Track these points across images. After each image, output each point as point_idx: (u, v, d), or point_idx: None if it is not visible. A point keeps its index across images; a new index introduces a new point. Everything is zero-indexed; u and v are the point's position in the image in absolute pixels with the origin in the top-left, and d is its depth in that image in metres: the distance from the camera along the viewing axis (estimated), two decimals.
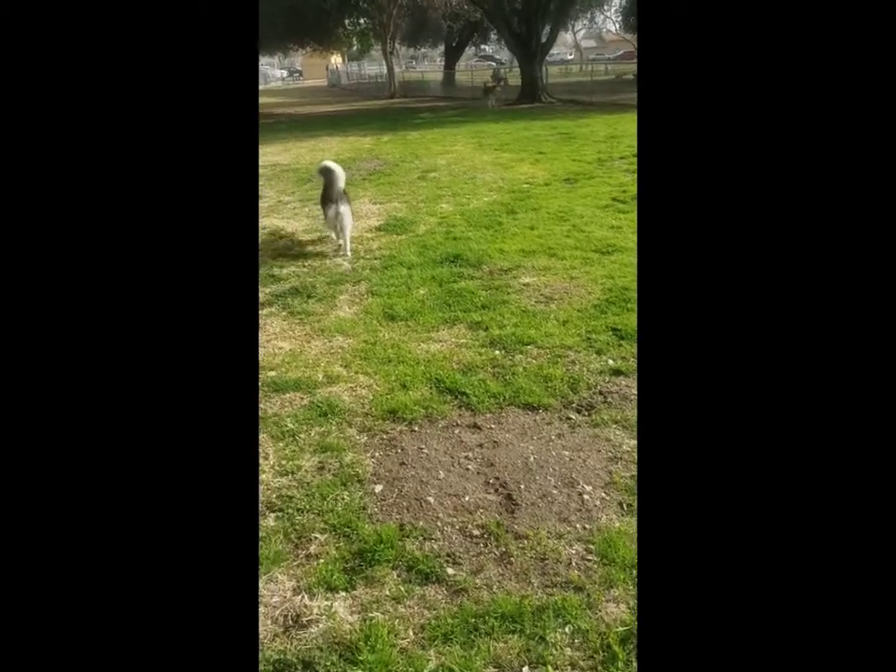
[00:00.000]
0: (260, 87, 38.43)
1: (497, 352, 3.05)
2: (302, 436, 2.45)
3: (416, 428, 2.48)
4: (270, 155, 10.30)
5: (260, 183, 7.83)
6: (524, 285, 3.92)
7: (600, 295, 3.67)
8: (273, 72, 44.98)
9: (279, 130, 14.88)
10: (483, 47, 39.99)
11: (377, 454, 2.33)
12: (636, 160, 6.39)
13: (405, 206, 6.30)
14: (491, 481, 2.15)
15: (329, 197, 4.69)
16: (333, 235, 4.99)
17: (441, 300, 3.74)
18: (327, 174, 4.74)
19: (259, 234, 5.49)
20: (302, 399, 2.73)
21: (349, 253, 4.71)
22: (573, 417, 2.50)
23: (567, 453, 2.28)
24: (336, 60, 39.89)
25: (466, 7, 23.03)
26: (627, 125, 11.57)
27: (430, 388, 2.75)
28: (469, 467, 2.23)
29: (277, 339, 3.35)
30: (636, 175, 6.99)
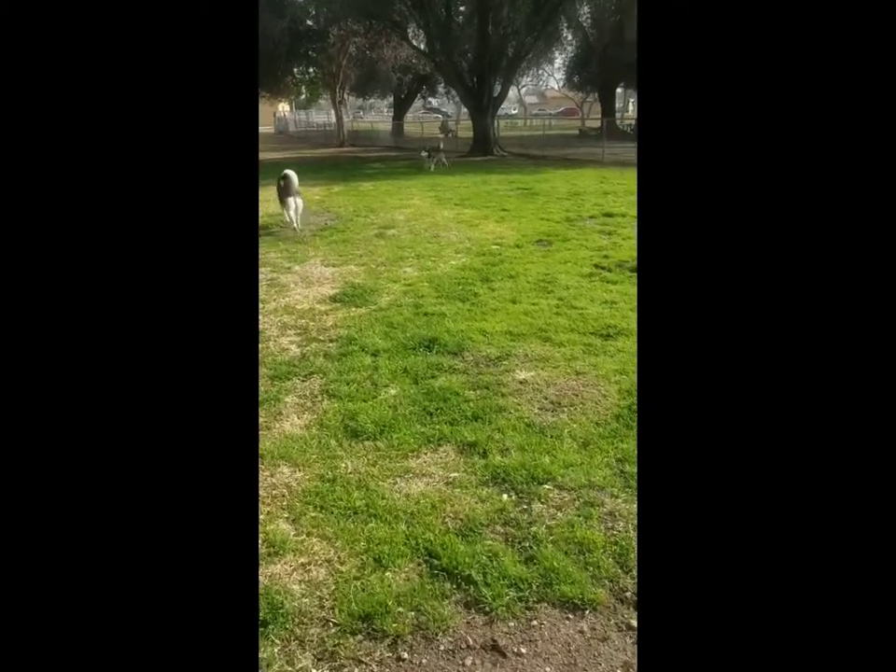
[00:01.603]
0: None
1: (506, 496, 2.24)
2: None
3: (405, 654, 1.61)
4: None
5: None
6: (520, 382, 3.16)
7: (618, 399, 2.93)
8: None
9: None
10: (430, 99, 40.53)
11: None
12: (606, 220, 5.82)
13: (363, 270, 5.52)
14: None
15: (288, 193, 7.11)
16: (290, 219, 7.25)
17: (417, 405, 2.92)
18: (287, 178, 7.12)
19: None
20: None
21: (298, 227, 7.21)
22: (635, 624, 1.70)
23: None
24: (284, 108, 39.56)
25: (415, 60, 23.09)
26: (587, 181, 11.28)
27: (418, 566, 1.90)
28: None
29: None
30: (612, 239, 6.52)
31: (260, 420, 2.82)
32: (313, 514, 2.16)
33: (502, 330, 3.86)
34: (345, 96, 27.97)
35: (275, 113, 39.43)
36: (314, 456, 2.52)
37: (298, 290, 4.94)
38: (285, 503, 2.23)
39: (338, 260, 5.87)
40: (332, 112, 28.16)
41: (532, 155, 17.77)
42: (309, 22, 20.26)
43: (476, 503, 2.20)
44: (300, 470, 2.43)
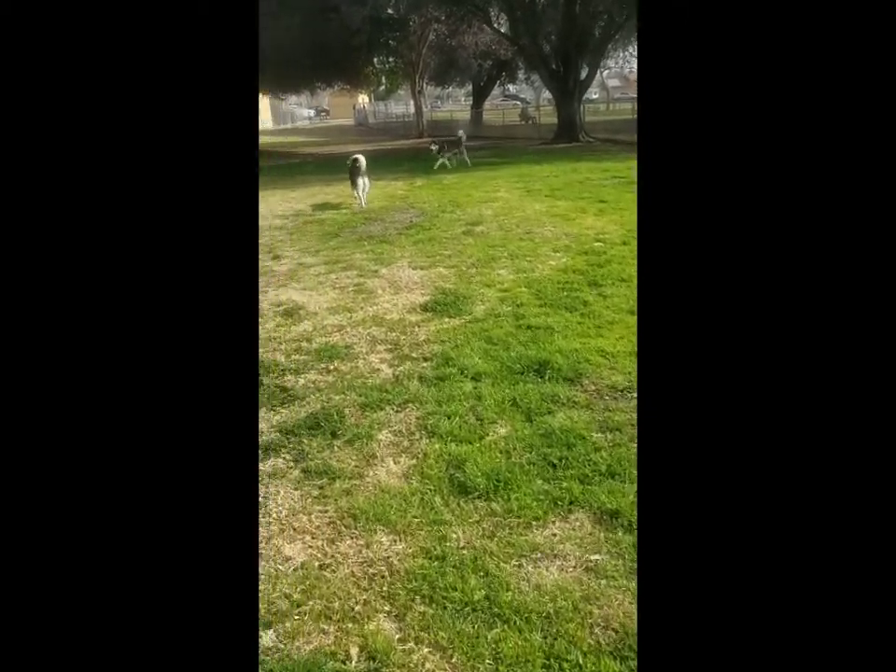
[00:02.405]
0: (287, 126, 38.43)
1: None
2: None
3: None
4: (293, 202, 9.25)
5: (279, 239, 6.70)
6: None
7: None
8: (299, 111, 45.07)
9: (305, 171, 13.98)
10: (508, 86, 39.56)
11: None
12: None
13: (453, 273, 5.06)
14: None
15: (357, 174, 8.26)
16: (357, 197, 8.42)
17: (535, 451, 2.42)
18: (356, 161, 8.21)
19: (272, 314, 4.27)
20: None
21: (364, 203, 8.33)
22: None
23: None
24: (363, 99, 39.81)
25: (495, 45, 22.37)
26: None
27: None
28: None
29: (284, 538, 2.05)
30: None
31: (347, 469, 2.41)
32: (420, 609, 1.71)
33: (626, 351, 3.28)
34: (424, 86, 27.67)
35: (355, 105, 39.79)
36: (416, 520, 2.08)
37: (386, 297, 4.55)
38: (385, 588, 1.80)
39: (426, 262, 5.44)
40: (411, 102, 27.92)
41: (620, 140, 16.72)
42: (389, 10, 19.96)
43: (630, 604, 1.68)
44: (401, 540, 1.99)
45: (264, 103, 35.09)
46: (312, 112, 46.65)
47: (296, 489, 2.30)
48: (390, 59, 24.43)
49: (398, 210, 8.10)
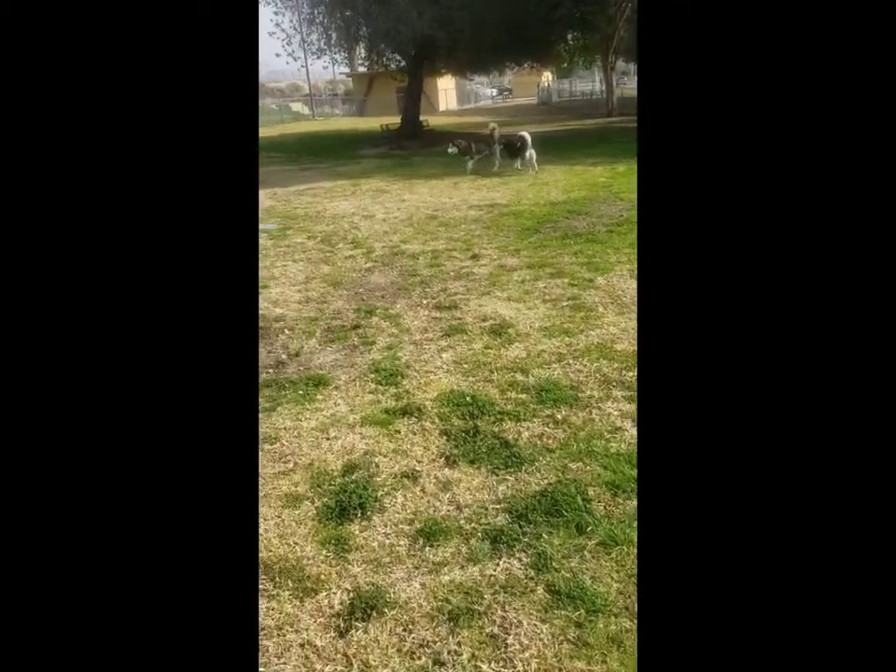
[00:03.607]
0: (470, 106, 38.47)
1: None
2: None
3: None
4: (484, 189, 8.75)
5: (476, 234, 6.20)
6: None
7: None
8: (482, 90, 44.98)
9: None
10: None
11: None
12: None
13: None
14: None
15: (525, 148, 9.76)
16: (529, 168, 9.68)
17: None
18: (524, 140, 9.74)
19: (477, 330, 3.73)
20: None
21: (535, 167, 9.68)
22: None
23: None
24: (547, 77, 38.59)
25: None
26: None
27: None
28: None
29: None
30: None
31: (614, 587, 1.75)
32: None
33: None
34: (615, 62, 25.87)
35: (538, 84, 38.71)
36: None
37: (609, 318, 3.81)
38: None
39: None
40: (594, 80, 26.32)
41: None
42: None
43: None
44: None
45: (451, 83, 35.34)
46: (494, 91, 46.34)
47: (543, 621, 1.69)
48: (584, 34, 23.07)
49: (601, 201, 7.23)
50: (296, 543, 2.04)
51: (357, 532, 2.08)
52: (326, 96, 40.25)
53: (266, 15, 78.44)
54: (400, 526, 2.09)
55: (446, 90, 35.33)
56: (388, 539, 2.04)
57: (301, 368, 3.41)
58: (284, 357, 3.57)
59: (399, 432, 2.68)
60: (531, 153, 9.89)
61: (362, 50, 19.70)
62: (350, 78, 36.16)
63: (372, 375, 3.24)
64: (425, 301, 4.35)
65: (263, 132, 24.42)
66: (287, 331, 3.97)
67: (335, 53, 19.67)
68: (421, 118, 19.01)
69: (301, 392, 3.10)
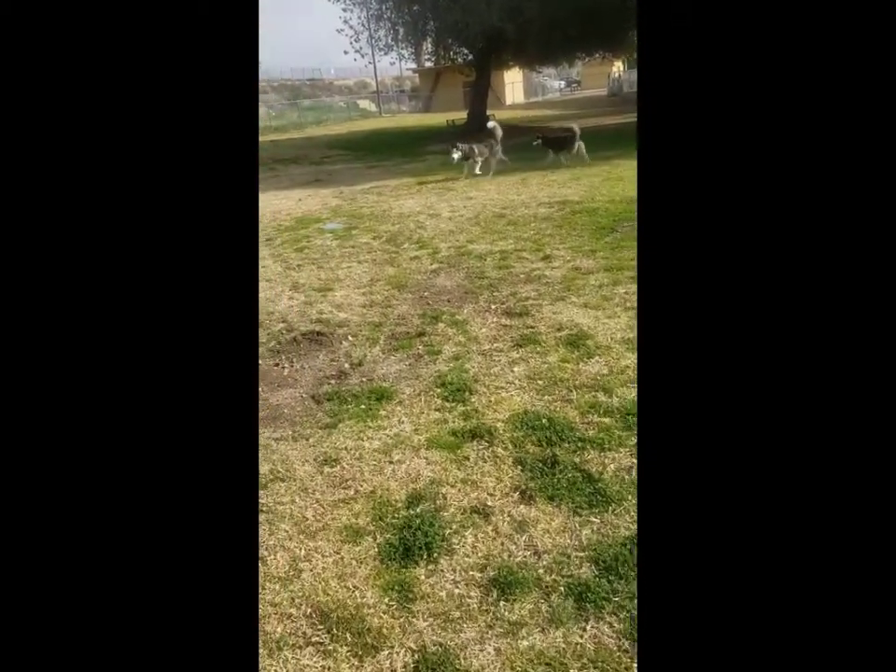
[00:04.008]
0: (538, 98, 37.76)
1: None
2: None
3: None
4: (555, 185, 8.39)
5: (547, 233, 5.88)
6: None
7: None
8: (550, 83, 44.06)
9: None
10: None
11: None
12: None
13: None
14: None
15: (573, 140, 9.77)
16: (580, 161, 9.49)
17: None
18: (573, 132, 9.73)
19: (553, 341, 3.45)
20: None
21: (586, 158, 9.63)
22: None
23: None
24: (618, 67, 37.36)
25: None
26: None
27: None
28: None
29: None
30: None
31: None
32: None
33: None
34: None
35: (609, 74, 37.54)
36: None
37: None
38: None
39: None
40: None
41: None
42: None
43: None
44: None
45: (518, 76, 34.78)
46: (562, 83, 45.31)
47: None
48: None
49: None
50: (356, 587, 1.84)
51: (422, 577, 1.86)
52: (393, 93, 40.43)
53: (334, 12, 79.74)
54: (471, 573, 1.86)
55: (513, 83, 34.82)
56: (458, 588, 1.81)
57: (364, 379, 3.23)
58: (346, 366, 3.41)
59: (469, 458, 2.44)
60: (579, 145, 9.98)
61: (429, 45, 19.55)
62: (416, 74, 36.22)
63: (438, 390, 3.02)
64: (493, 307, 4.10)
65: (332, 129, 24.75)
66: (350, 338, 3.81)
67: (402, 49, 19.66)
68: (488, 112, 18.69)
69: (363, 407, 2.92)
